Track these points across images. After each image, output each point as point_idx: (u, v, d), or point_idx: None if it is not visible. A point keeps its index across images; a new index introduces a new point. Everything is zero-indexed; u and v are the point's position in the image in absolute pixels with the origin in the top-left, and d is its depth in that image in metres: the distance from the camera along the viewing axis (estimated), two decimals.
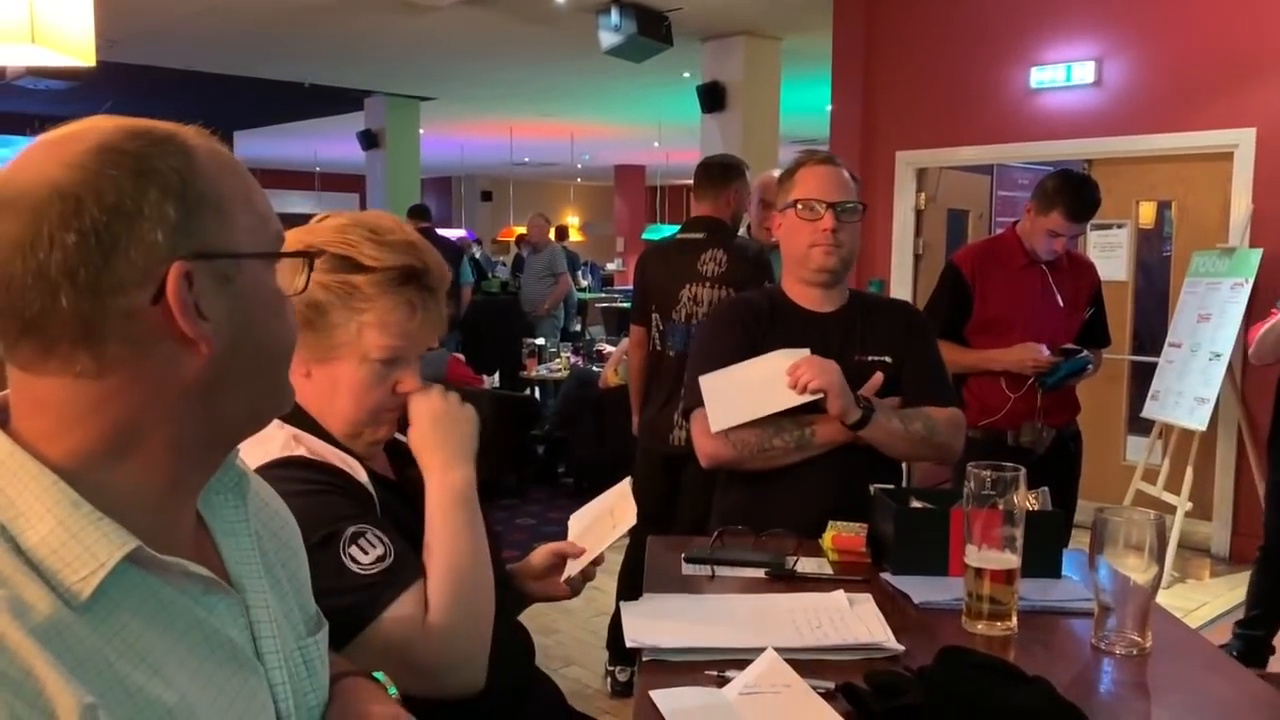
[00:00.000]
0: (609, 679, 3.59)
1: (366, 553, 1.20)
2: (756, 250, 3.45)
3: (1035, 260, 3.18)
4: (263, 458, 1.23)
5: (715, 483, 2.22)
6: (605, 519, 1.57)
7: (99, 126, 0.76)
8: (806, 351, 2.00)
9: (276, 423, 1.27)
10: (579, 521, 1.66)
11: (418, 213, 8.21)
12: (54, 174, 0.72)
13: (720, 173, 3.52)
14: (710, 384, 2.03)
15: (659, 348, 3.49)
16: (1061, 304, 3.19)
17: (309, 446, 1.28)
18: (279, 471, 1.22)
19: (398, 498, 1.37)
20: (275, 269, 0.84)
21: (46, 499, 0.72)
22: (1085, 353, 3.13)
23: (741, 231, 3.80)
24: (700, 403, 2.10)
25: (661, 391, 3.47)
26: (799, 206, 2.08)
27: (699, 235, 3.46)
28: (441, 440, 1.34)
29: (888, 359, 2.10)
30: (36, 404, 0.75)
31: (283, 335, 0.85)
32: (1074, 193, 3.08)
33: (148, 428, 0.76)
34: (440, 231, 9.56)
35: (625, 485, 1.63)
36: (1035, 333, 3.13)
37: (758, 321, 2.14)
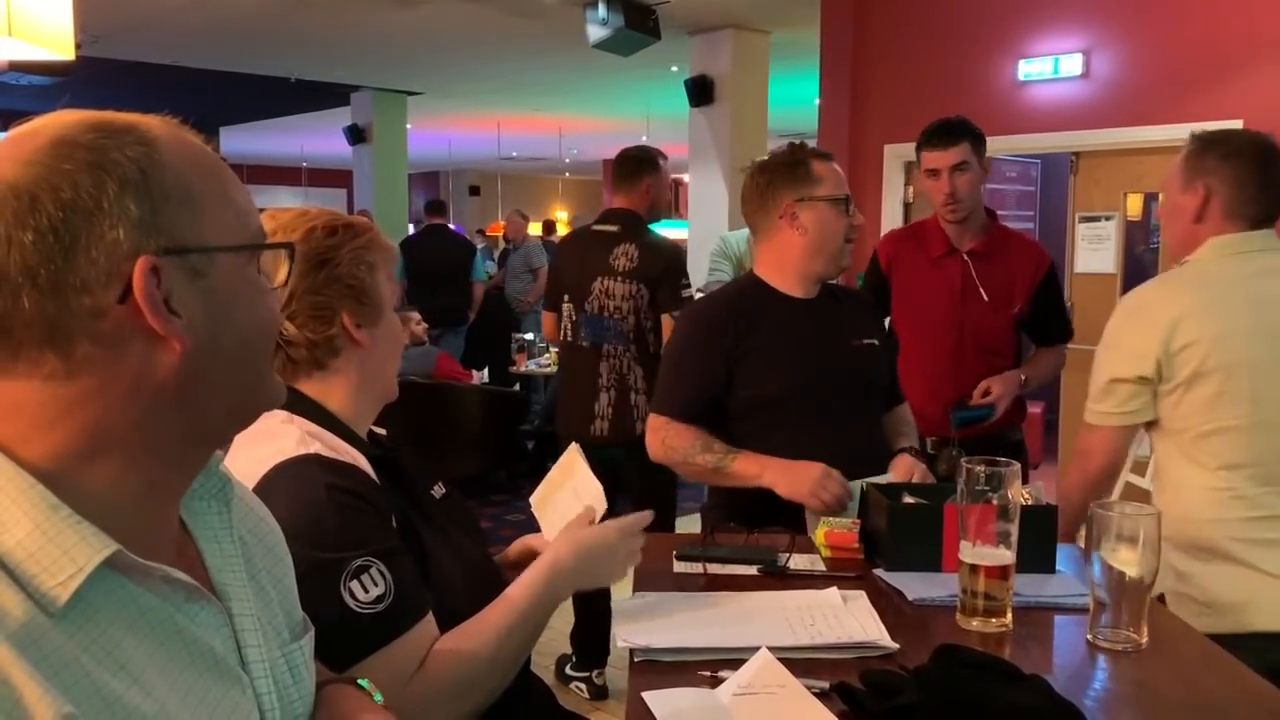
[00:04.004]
0: (585, 684, 3.45)
1: (367, 590, 1.16)
2: (671, 249, 3.45)
3: (955, 249, 2.88)
4: (277, 455, 1.20)
5: (651, 477, 2.18)
6: (569, 498, 1.52)
7: (58, 120, 0.73)
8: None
9: (285, 415, 1.24)
10: (544, 506, 1.61)
11: (433, 208, 8.14)
12: (9, 172, 0.70)
13: (634, 166, 3.47)
14: None
15: (571, 338, 3.44)
16: (986, 298, 2.83)
17: (325, 443, 1.25)
18: (298, 470, 1.19)
19: (394, 476, 1.34)
20: (257, 262, 0.82)
21: (24, 501, 0.70)
22: (990, 407, 2.73)
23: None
24: (665, 409, 2.07)
25: (578, 382, 3.41)
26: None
27: (614, 228, 3.42)
28: (589, 553, 1.39)
29: None
30: (9, 408, 0.72)
31: (262, 327, 0.82)
32: (930, 127, 2.87)
33: (124, 428, 0.74)
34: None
35: (574, 454, 1.57)
36: (956, 328, 2.84)
37: (729, 324, 2.11)
